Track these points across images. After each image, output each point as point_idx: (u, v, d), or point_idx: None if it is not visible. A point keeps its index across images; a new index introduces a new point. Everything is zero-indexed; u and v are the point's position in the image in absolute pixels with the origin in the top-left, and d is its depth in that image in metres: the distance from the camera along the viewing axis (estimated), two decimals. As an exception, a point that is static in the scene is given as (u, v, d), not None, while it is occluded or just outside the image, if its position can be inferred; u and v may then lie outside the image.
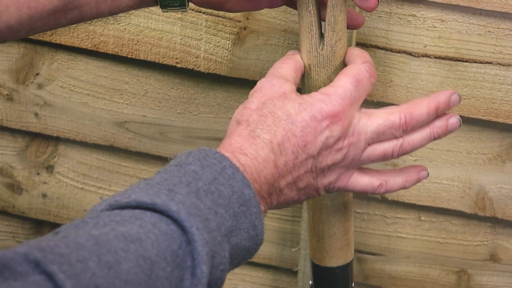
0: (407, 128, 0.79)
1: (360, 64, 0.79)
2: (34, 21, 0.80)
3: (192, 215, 0.65)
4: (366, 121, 0.78)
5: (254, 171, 0.73)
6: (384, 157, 0.80)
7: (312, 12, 0.80)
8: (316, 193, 0.79)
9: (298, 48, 0.84)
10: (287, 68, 0.81)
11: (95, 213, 0.65)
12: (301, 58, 0.82)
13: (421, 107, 0.79)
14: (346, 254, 0.92)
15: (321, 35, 0.81)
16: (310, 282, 0.97)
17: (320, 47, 0.81)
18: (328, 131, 0.76)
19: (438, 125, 0.81)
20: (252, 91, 0.79)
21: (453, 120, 0.81)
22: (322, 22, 0.81)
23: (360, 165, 0.80)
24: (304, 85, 0.84)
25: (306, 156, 0.76)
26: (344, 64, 0.82)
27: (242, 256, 0.72)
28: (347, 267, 0.93)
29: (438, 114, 0.80)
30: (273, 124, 0.75)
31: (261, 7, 0.87)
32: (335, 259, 0.92)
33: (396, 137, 0.80)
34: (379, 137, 0.79)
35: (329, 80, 0.82)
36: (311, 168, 0.77)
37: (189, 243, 0.64)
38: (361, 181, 0.81)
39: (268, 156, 0.74)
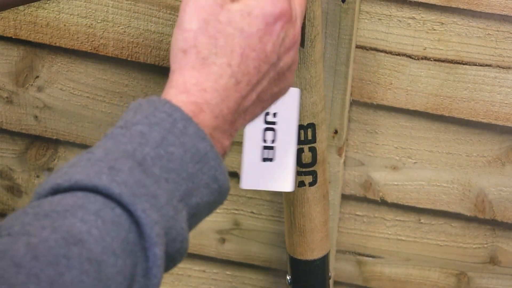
0: None
1: None
2: None
3: (137, 196, 0.60)
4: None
5: (215, 106, 0.67)
6: None
7: None
8: (280, 94, 0.74)
9: None
10: None
11: (38, 200, 0.61)
12: None
13: None
14: (325, 244, 0.93)
15: None
16: (288, 278, 0.96)
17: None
18: (283, 33, 0.70)
19: None
20: (181, 5, 0.69)
21: None
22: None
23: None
24: None
25: (269, 66, 0.70)
26: (322, 59, 0.82)
27: (209, 209, 0.67)
28: (326, 258, 0.95)
29: None
30: (226, 44, 0.68)
31: None
32: (316, 251, 0.93)
33: None
34: None
35: (309, 75, 0.82)
36: (274, 76, 0.71)
37: (138, 226, 0.60)
38: None
39: (228, 83, 0.67)
